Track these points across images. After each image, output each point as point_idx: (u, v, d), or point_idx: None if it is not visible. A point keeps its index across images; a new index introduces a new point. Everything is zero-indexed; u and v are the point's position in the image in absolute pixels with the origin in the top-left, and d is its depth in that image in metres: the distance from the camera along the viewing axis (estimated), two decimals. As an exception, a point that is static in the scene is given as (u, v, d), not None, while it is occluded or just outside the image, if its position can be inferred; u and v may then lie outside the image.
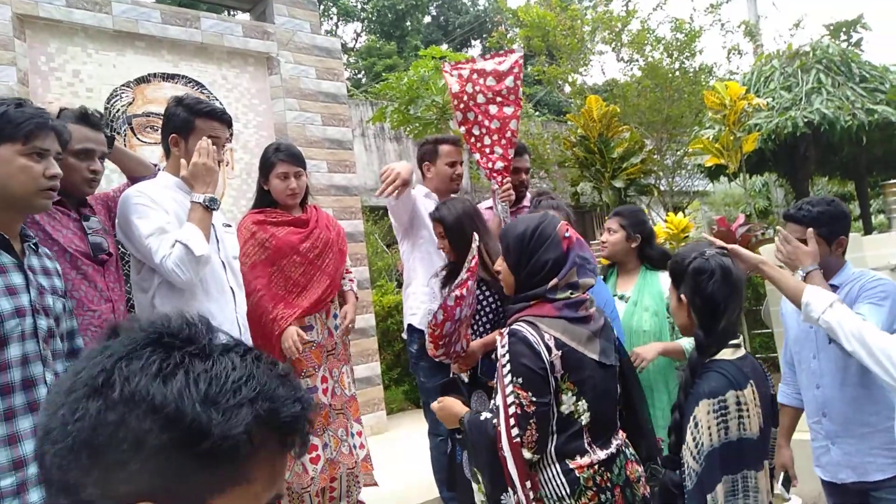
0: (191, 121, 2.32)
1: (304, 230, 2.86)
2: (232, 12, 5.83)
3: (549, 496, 1.68)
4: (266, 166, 2.86)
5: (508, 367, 1.68)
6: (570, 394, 1.71)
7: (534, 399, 1.65)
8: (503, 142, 3.17)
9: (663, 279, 2.69)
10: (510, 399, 1.66)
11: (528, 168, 3.55)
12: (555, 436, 1.71)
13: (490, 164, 3.19)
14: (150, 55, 4.41)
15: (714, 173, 6.29)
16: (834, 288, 2.11)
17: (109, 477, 0.53)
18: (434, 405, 1.99)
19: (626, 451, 1.83)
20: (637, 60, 7.90)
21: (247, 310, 2.50)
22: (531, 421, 1.64)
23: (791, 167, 6.68)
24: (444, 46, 8.75)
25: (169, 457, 0.54)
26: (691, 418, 1.66)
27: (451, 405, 1.93)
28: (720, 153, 4.70)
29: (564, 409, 1.71)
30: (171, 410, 0.54)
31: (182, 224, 2.23)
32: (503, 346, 1.71)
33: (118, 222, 2.25)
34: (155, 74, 4.41)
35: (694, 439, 1.64)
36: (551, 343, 1.69)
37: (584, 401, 1.72)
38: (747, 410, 1.66)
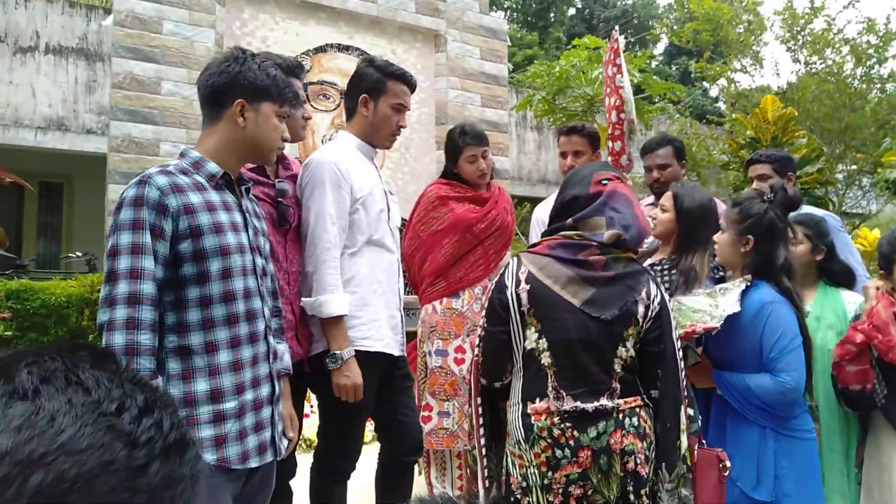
0: (383, 82, 2.27)
1: (481, 209, 2.86)
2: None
3: (513, 439, 1.72)
4: (454, 151, 2.86)
5: None
6: (532, 329, 1.71)
7: (485, 326, 1.78)
8: (616, 132, 3.14)
9: (846, 297, 2.46)
10: (480, 322, 1.84)
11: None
12: (522, 375, 1.73)
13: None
14: (329, 26, 4.57)
15: (902, 191, 5.65)
16: None
17: None
18: None
19: (626, 421, 1.66)
20: (814, 63, 7.23)
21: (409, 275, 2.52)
22: (480, 345, 1.80)
23: None
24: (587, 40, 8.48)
25: None
26: None
27: None
28: (922, 168, 4.20)
29: (528, 343, 1.71)
30: None
31: (365, 187, 2.20)
32: None
33: (301, 183, 2.19)
34: (331, 45, 4.57)
35: None
36: (523, 277, 1.72)
37: (544, 339, 1.69)
38: None
